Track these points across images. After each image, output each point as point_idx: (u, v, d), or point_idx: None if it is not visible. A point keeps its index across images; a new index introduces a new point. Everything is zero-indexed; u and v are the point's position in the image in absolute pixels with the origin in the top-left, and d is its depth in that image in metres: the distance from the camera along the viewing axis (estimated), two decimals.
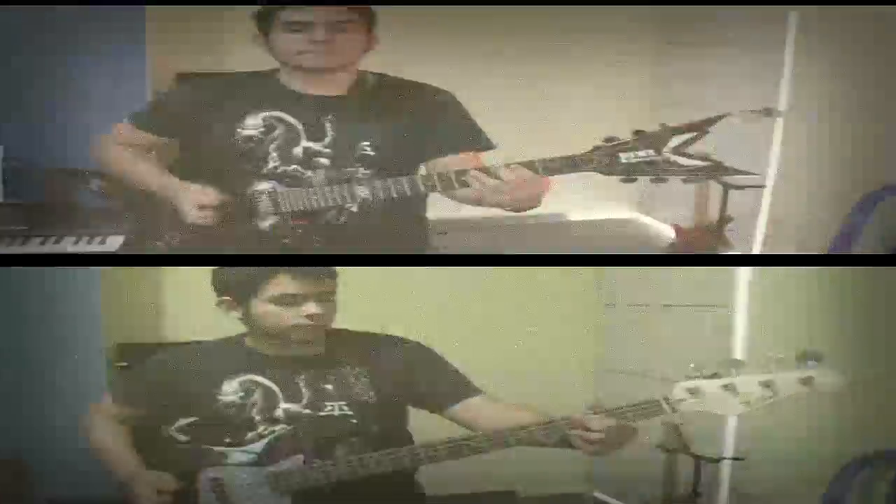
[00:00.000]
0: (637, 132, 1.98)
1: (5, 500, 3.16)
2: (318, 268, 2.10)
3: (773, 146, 4.41)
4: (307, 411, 2.12)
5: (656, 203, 5.56)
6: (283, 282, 2.07)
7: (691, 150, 1.95)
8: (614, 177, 2.00)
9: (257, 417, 2.11)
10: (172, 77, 4.03)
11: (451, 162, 2.27)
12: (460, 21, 4.93)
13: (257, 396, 2.13)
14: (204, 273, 3.61)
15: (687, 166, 1.95)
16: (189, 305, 3.76)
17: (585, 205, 5.59)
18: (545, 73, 5.38)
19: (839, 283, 3.09)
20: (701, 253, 4.43)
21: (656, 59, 5.61)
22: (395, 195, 2.16)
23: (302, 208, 2.23)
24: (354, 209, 2.28)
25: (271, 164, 2.29)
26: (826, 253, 3.68)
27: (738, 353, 3.45)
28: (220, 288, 2.16)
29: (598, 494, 4.31)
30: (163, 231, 2.38)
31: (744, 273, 3.49)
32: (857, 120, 3.99)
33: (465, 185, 2.09)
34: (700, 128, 1.96)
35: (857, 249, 3.60)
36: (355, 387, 2.14)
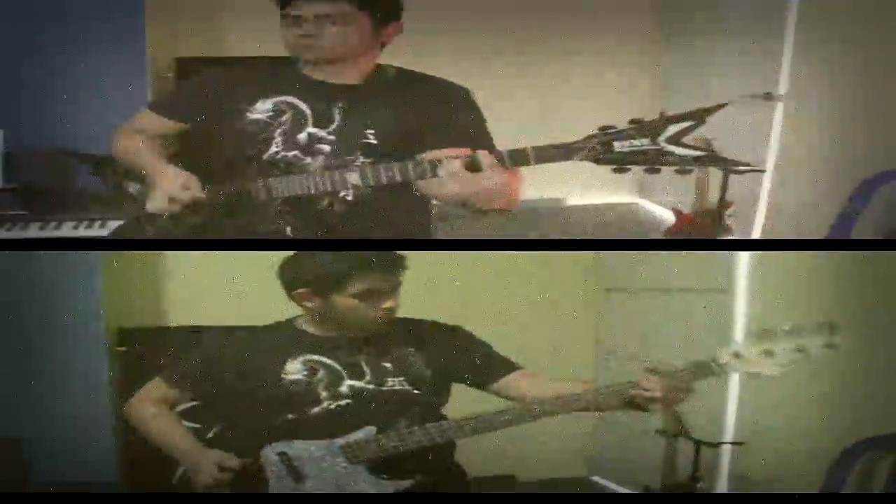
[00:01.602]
0: (633, 121, 1.96)
1: (2, 485, 3.16)
2: (395, 262, 2.18)
3: (773, 131, 4.41)
4: (371, 386, 2.20)
5: (656, 188, 5.57)
6: (368, 278, 2.15)
7: (688, 139, 1.94)
8: (606, 166, 1.98)
9: (323, 393, 2.19)
10: (172, 61, 4.02)
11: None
12: (460, 15, 4.93)
13: (322, 374, 2.21)
14: (203, 257, 3.63)
15: (682, 156, 1.94)
16: (189, 290, 3.77)
17: (585, 190, 5.59)
18: (544, 64, 5.38)
19: (838, 268, 3.10)
20: (700, 238, 4.43)
21: (657, 48, 5.61)
22: (384, 181, 2.15)
23: (295, 194, 2.23)
24: (350, 197, 2.28)
25: (273, 149, 2.29)
26: (825, 237, 3.68)
27: (738, 337, 3.46)
28: (300, 281, 2.21)
29: (597, 479, 4.32)
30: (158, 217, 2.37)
31: (743, 258, 3.50)
32: (857, 105, 4.00)
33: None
34: (698, 117, 1.94)
35: (855, 234, 3.60)
36: (413, 364, 2.24)
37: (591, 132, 1.98)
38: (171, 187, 2.24)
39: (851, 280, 3.07)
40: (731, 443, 3.40)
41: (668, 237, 4.79)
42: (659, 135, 1.94)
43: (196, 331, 3.41)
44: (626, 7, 5.44)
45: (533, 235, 5.11)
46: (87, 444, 3.35)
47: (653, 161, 1.95)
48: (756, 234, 4.59)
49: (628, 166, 1.97)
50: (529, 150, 2.02)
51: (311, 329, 2.28)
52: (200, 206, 2.25)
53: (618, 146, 1.96)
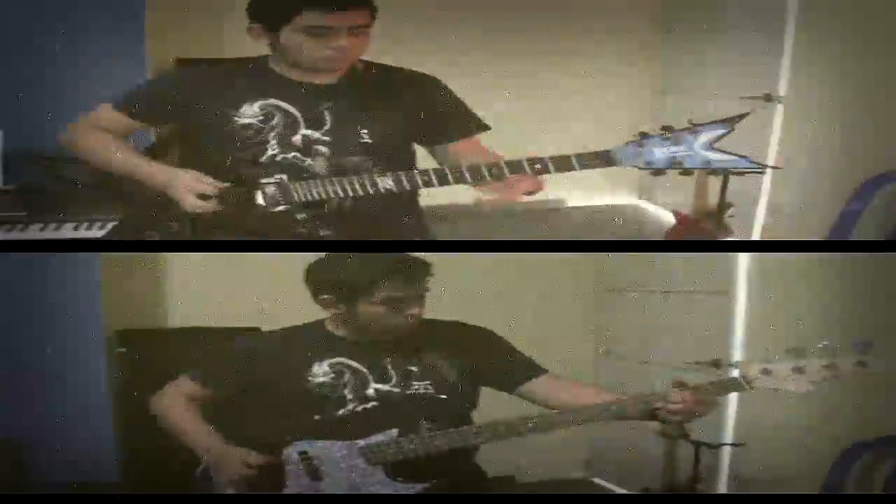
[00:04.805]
0: (665, 128, 2.06)
1: (3, 486, 3.17)
2: (421, 269, 2.19)
3: (773, 132, 4.40)
4: (397, 390, 2.22)
5: (656, 189, 5.55)
6: (394, 286, 2.16)
7: (719, 145, 2.04)
8: (645, 170, 2.08)
9: (349, 396, 2.21)
10: (171, 62, 4.02)
11: (457, 149, 2.36)
12: (455, 10, 4.92)
13: (348, 377, 2.23)
14: (203, 259, 3.63)
15: (717, 160, 2.04)
16: (189, 291, 3.77)
17: (585, 191, 5.58)
18: (542, 60, 5.36)
19: (838, 269, 3.09)
20: (701, 239, 4.43)
21: (655, 47, 5.59)
22: (421, 186, 2.19)
23: (316, 198, 2.23)
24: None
25: (270, 152, 2.29)
26: (825, 239, 3.68)
27: (738, 338, 3.46)
28: (325, 287, 2.22)
29: (597, 480, 4.32)
30: (156, 220, 2.36)
31: (743, 259, 3.50)
32: (857, 106, 3.99)
33: (479, 179, 2.13)
34: (727, 125, 2.04)
35: (856, 235, 3.60)
36: (439, 368, 2.25)
37: (630, 138, 2.07)
38: (191, 187, 2.24)
39: (851, 281, 3.07)
40: (731, 444, 3.40)
41: (668, 238, 4.78)
42: (695, 142, 2.04)
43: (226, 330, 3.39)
44: (624, 6, 5.43)
45: (533, 236, 5.11)
46: (88, 445, 3.35)
47: (690, 166, 2.07)
48: (756, 235, 4.58)
49: (665, 170, 2.08)
50: (573, 157, 2.08)
51: (338, 332, 2.29)
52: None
53: (658, 153, 2.06)
